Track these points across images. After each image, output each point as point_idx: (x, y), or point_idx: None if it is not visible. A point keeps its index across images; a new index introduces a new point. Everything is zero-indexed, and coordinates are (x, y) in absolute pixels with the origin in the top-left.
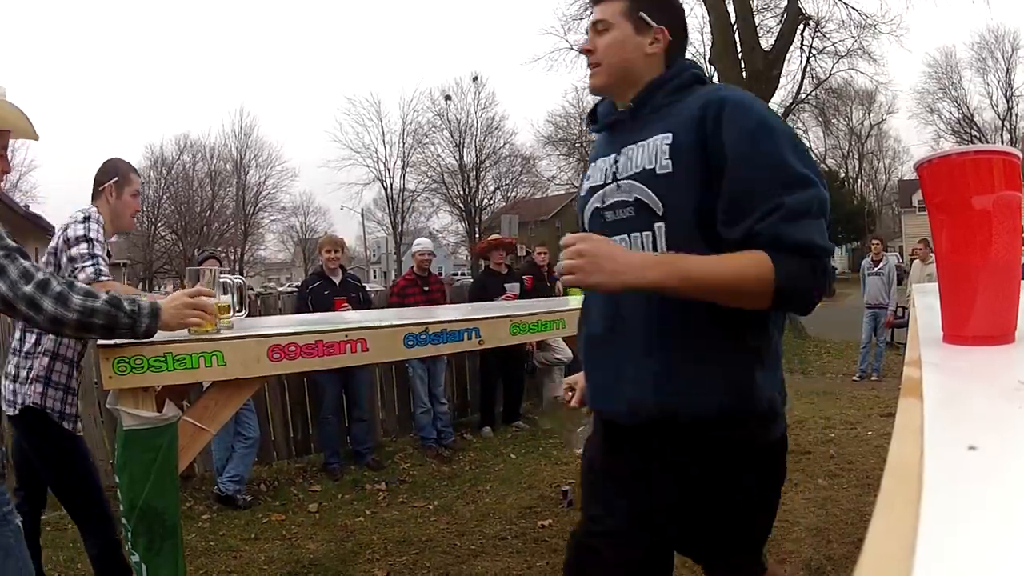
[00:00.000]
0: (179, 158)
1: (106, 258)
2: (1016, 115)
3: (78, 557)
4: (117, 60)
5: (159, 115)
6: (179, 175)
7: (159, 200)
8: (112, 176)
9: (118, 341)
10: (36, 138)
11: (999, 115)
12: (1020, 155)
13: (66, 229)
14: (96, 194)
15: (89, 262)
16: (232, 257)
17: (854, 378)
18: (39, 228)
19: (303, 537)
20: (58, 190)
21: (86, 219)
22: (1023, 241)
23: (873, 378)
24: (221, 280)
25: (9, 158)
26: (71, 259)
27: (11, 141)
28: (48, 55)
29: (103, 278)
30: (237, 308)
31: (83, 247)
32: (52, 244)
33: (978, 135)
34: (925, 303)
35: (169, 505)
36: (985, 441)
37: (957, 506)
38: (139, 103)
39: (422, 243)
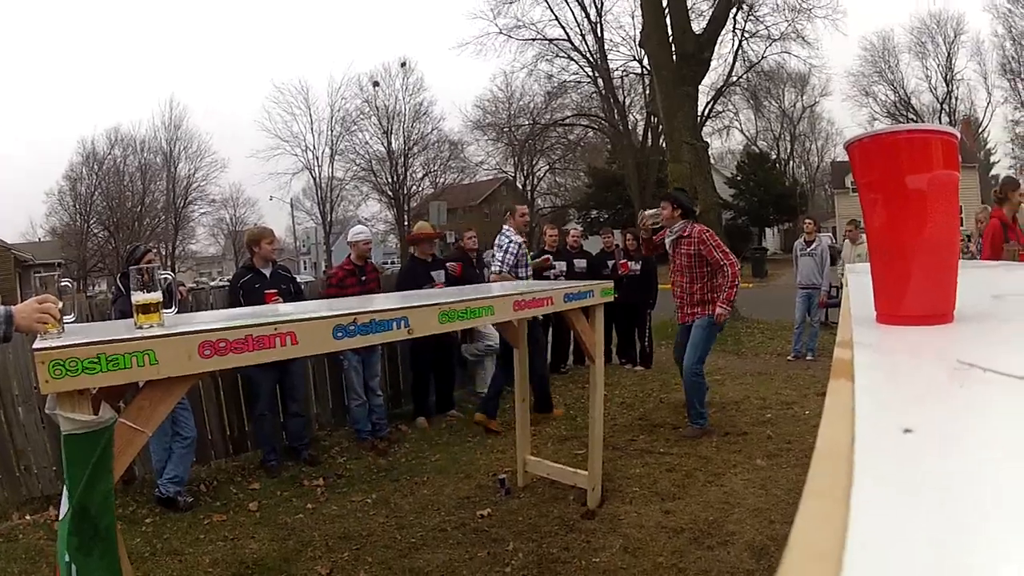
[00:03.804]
0: (110, 153)
1: None
2: (956, 98)
3: (32, 569)
4: (48, 52)
5: (91, 108)
6: (110, 170)
7: (91, 197)
8: None
9: (52, 344)
10: None
11: (937, 98)
12: (958, 135)
13: None
14: None
15: None
16: (163, 252)
17: (788, 358)
18: None
19: (245, 537)
20: None
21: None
22: (960, 221)
23: (808, 358)
24: (161, 276)
25: None
26: None
27: None
28: None
29: None
30: (167, 305)
31: None
32: None
33: (915, 117)
34: (857, 283)
35: (102, 508)
36: (921, 423)
37: (890, 491)
38: (71, 96)
39: (362, 231)
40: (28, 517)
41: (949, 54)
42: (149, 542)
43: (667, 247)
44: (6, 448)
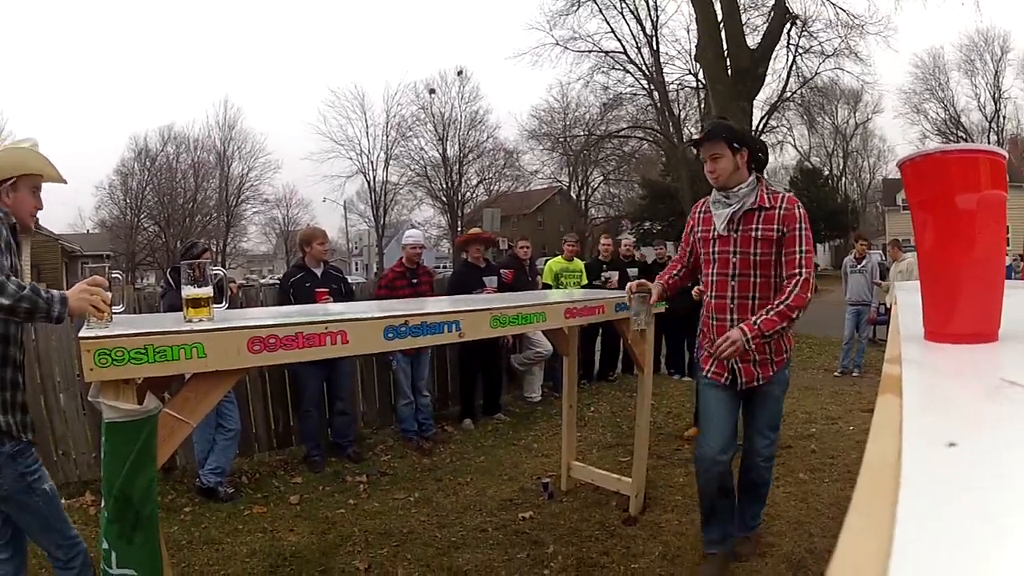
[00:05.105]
0: (163, 150)
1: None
2: (1004, 117)
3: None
4: (103, 49)
5: (144, 105)
6: (163, 167)
7: (142, 191)
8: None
9: (99, 333)
10: (64, 182)
11: (986, 117)
12: (1006, 155)
13: None
14: None
15: None
16: (214, 249)
17: (835, 374)
18: None
19: (284, 529)
20: None
21: None
22: (1007, 240)
23: (855, 374)
24: (213, 272)
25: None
26: None
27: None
28: (34, 44)
29: None
30: (217, 300)
31: None
32: None
33: (964, 136)
34: (907, 301)
35: (144, 496)
36: (965, 438)
37: (934, 503)
38: (124, 93)
39: (413, 235)
40: (63, 501)
41: (996, 72)
42: (187, 530)
43: (716, 229)
44: (44, 432)
